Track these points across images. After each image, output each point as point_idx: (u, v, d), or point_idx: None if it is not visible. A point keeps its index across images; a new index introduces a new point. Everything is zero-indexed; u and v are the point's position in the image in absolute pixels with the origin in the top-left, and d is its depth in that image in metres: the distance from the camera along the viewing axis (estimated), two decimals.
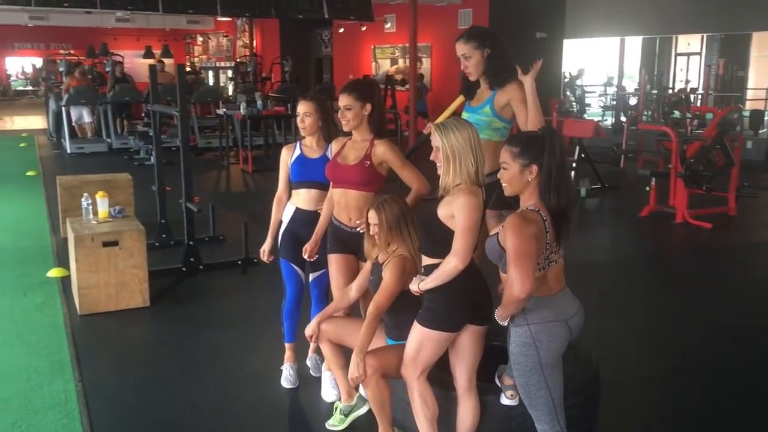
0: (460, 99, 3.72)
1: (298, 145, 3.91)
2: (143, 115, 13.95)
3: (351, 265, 3.64)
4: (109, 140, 14.27)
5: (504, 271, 2.59)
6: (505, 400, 3.10)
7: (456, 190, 2.81)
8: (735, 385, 4.12)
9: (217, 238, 7.16)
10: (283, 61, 18.57)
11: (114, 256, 5.17)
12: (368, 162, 3.49)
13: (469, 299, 2.88)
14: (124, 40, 24.74)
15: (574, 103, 15.64)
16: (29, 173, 11.37)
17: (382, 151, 3.50)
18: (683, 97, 14.43)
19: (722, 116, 8.11)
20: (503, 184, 2.64)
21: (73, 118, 14.38)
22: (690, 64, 18.96)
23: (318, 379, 4.01)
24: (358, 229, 3.49)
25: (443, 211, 2.83)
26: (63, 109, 14.17)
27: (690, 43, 19.06)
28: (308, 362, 4.17)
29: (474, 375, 3.05)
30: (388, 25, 17.62)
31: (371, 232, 3.21)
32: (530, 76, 3.29)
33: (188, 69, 21.33)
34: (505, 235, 2.50)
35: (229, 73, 21.76)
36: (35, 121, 20.63)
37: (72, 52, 21.04)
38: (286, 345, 4.07)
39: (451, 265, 2.77)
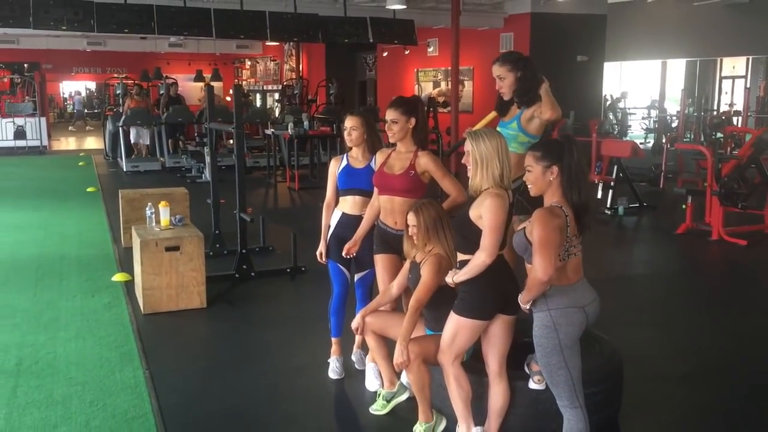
0: (493, 114, 4.09)
1: (345, 156, 4.30)
2: (196, 135, 14.57)
3: (395, 264, 4.00)
4: (162, 159, 14.96)
5: (529, 262, 2.91)
6: (533, 385, 3.41)
7: (485, 194, 3.16)
8: (754, 386, 4.34)
9: (267, 248, 7.58)
10: (328, 84, 19.12)
11: (175, 260, 5.61)
12: (413, 171, 3.86)
13: (499, 291, 3.21)
14: (177, 64, 25.70)
15: (615, 125, 15.81)
16: (89, 189, 12.02)
17: (425, 161, 3.86)
18: (724, 118, 14.50)
19: (758, 136, 8.29)
20: (529, 185, 2.98)
21: (132, 139, 15.11)
22: (735, 88, 18.97)
23: (362, 372, 4.36)
24: (402, 232, 3.86)
25: (473, 213, 3.18)
26: (120, 129, 14.92)
27: (735, 66, 19.09)
28: (353, 357, 4.51)
29: (504, 361, 3.36)
30: (430, 49, 18.07)
31: (410, 233, 3.56)
32: (543, 88, 3.71)
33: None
34: (532, 228, 2.83)
35: (276, 95, 22.47)
36: (90, 142, 21.60)
37: (127, 75, 21.95)
38: (333, 339, 4.43)
39: (480, 260, 3.11)
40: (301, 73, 22.75)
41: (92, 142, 21.62)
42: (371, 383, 4.20)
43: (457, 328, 3.25)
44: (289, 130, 12.25)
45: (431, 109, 15.00)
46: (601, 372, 3.61)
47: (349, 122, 4.21)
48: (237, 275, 6.53)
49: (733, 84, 19.22)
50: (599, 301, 3.01)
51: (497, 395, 3.37)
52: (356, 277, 4.34)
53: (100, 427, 3.74)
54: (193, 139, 15.75)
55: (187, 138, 16.12)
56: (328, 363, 4.43)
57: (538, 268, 2.76)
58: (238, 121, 6.52)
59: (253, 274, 6.59)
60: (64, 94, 32.44)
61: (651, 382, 4.33)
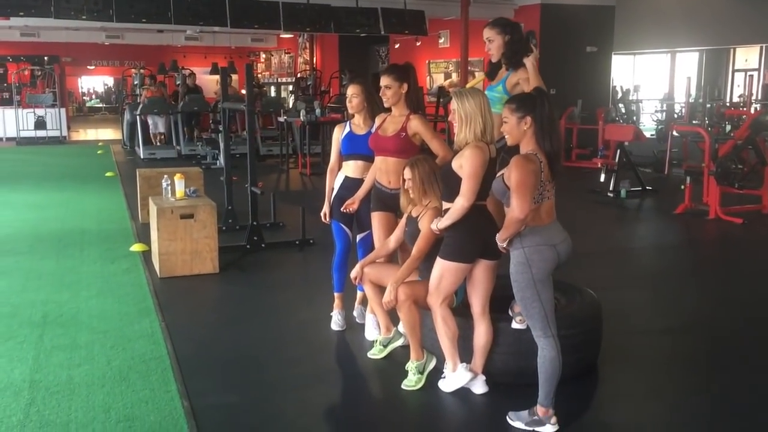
0: (481, 77, 4.39)
1: (348, 123, 4.61)
2: (210, 122, 14.94)
3: (390, 221, 4.31)
4: (178, 147, 15.35)
5: (507, 205, 3.21)
6: (515, 325, 3.71)
7: (466, 146, 3.46)
8: (731, 338, 4.61)
9: (277, 224, 7.92)
10: (341, 76, 19.45)
11: (190, 227, 5.96)
12: (404, 133, 4.17)
13: (480, 236, 3.51)
14: (193, 57, 26.09)
15: (623, 115, 15.98)
16: (108, 174, 12.43)
17: (415, 124, 4.17)
18: (731, 108, 14.67)
19: (754, 118, 8.51)
20: (505, 135, 3.27)
21: (151, 127, 15.53)
22: (747, 81, 19.02)
23: (362, 326, 4.68)
24: (395, 191, 4.17)
25: (455, 164, 3.49)
26: (138, 117, 15.33)
27: (748, 59, 19.15)
28: (354, 312, 4.83)
29: (487, 303, 3.66)
30: (441, 40, 18.34)
31: (405, 186, 3.86)
32: (532, 59, 3.98)
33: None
34: (509, 173, 3.12)
35: (290, 87, 22.81)
36: (108, 133, 22.08)
37: (145, 67, 22.38)
38: (335, 294, 4.75)
39: (458, 204, 3.43)
40: (314, 65, 23.09)
41: (110, 133, 22.09)
42: (370, 333, 4.51)
43: (442, 271, 3.55)
44: (301, 117, 12.59)
45: (441, 99, 15.26)
46: (579, 316, 3.90)
47: (350, 90, 4.53)
48: (248, 246, 6.86)
49: (745, 77, 19.29)
50: (570, 241, 3.30)
51: (481, 334, 3.67)
52: (358, 237, 4.65)
53: (120, 366, 4.09)
54: (208, 129, 16.14)
55: (201, 128, 16.51)
56: (331, 316, 4.75)
57: (515, 207, 3.06)
58: (249, 98, 6.87)
59: (263, 245, 6.93)
60: (82, 88, 33.02)
61: (632, 335, 4.61)
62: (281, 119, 13.96)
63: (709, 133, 8.48)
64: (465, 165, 3.41)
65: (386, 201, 4.29)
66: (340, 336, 4.63)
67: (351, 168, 4.58)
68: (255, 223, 6.95)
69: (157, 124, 15.71)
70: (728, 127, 13.87)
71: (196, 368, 4.07)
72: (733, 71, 19.58)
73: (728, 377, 4.03)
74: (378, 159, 4.27)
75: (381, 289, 4.10)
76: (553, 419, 3.31)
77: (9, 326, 4.75)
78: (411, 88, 4.23)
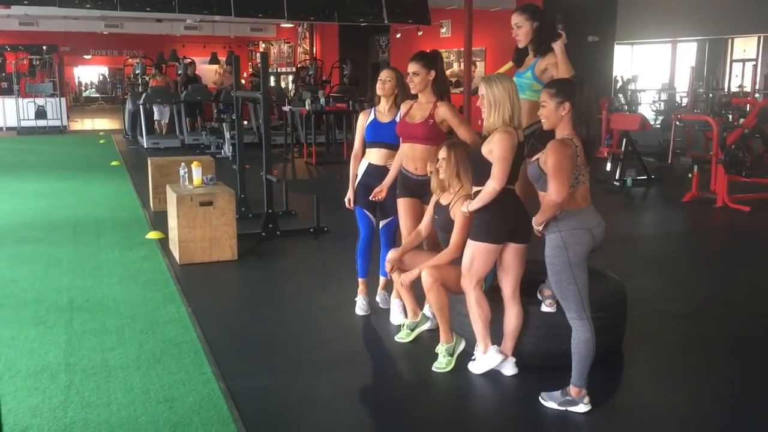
0: (510, 65, 4.44)
1: (372, 111, 4.66)
2: (215, 112, 14.96)
3: (416, 207, 4.37)
4: (181, 136, 15.36)
5: (542, 190, 3.27)
6: (545, 308, 3.78)
7: (495, 131, 3.52)
8: (747, 322, 4.70)
9: (289, 212, 7.96)
10: (342, 66, 19.46)
11: (209, 215, 6.01)
12: (431, 120, 4.22)
13: (509, 219, 3.58)
14: (192, 47, 26.04)
15: (624, 105, 16.07)
16: (113, 163, 12.45)
17: (443, 111, 4.22)
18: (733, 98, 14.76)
19: (762, 106, 8.59)
20: (542, 120, 3.33)
21: (156, 116, 15.55)
22: (745, 71, 19.13)
23: (386, 311, 4.74)
24: (422, 177, 4.23)
25: (485, 149, 3.55)
26: (141, 107, 15.33)
27: (746, 49, 19.24)
28: (378, 297, 4.89)
29: (517, 287, 3.73)
30: (443, 30, 18.36)
31: (437, 166, 3.90)
32: (560, 44, 3.99)
33: (252, 72, 22.49)
34: (546, 158, 3.18)
35: (290, 77, 22.81)
36: (107, 123, 22.04)
37: (145, 56, 22.33)
38: (360, 280, 4.81)
39: (489, 187, 3.49)
40: (314, 55, 23.08)
41: (109, 123, 22.04)
42: (396, 317, 4.58)
43: (473, 252, 3.62)
44: (307, 106, 12.62)
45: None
46: (605, 300, 3.97)
47: (385, 74, 4.60)
48: (263, 234, 6.92)
49: (743, 67, 19.40)
50: (604, 225, 3.37)
51: (511, 317, 3.74)
52: (381, 223, 4.70)
53: (152, 349, 4.15)
54: (211, 119, 16.16)
55: (204, 118, 16.52)
56: (355, 301, 4.81)
57: (552, 191, 3.12)
58: (265, 87, 6.91)
59: (278, 233, 6.98)
60: (78, 78, 32.88)
61: (653, 319, 4.69)
62: (285, 109, 13.98)
63: (717, 122, 8.55)
64: (495, 149, 3.47)
65: (413, 187, 4.35)
66: (365, 320, 4.69)
67: (375, 155, 4.63)
68: (270, 211, 7.00)
69: (163, 114, 15.74)
70: (730, 117, 13.98)
71: (228, 352, 4.12)
72: (731, 61, 19.66)
73: (749, 360, 4.12)
74: (405, 146, 4.33)
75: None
76: (586, 399, 3.38)
77: (37, 311, 4.80)
78: (438, 75, 4.28)
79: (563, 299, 3.35)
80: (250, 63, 27.32)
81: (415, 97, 4.40)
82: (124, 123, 17.81)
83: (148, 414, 3.37)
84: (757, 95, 13.18)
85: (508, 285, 3.71)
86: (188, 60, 18.07)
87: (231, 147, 13.16)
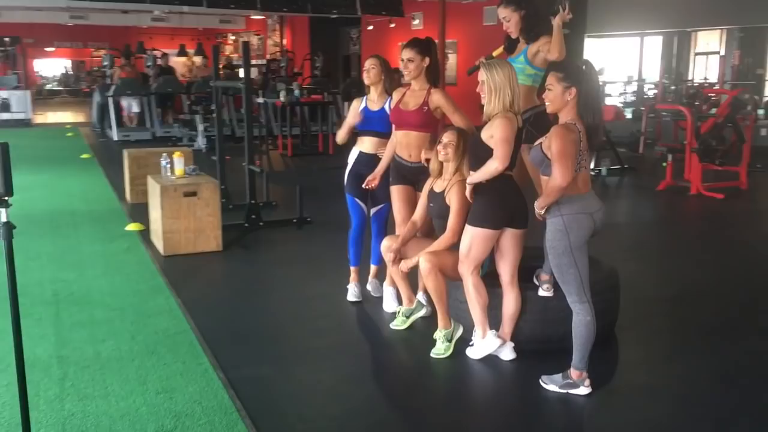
0: (500, 50, 4.46)
1: (364, 99, 4.65)
2: (189, 104, 14.78)
3: (409, 194, 4.37)
4: (152, 129, 15.13)
5: (545, 174, 3.29)
6: (542, 293, 3.81)
7: (494, 117, 3.53)
8: (729, 305, 4.80)
9: (270, 203, 7.90)
10: (314, 58, 19.35)
11: (193, 205, 5.93)
12: (426, 107, 4.22)
13: (507, 204, 3.60)
14: (159, 39, 25.65)
15: None
16: (83, 156, 12.24)
17: (437, 98, 4.22)
18: (701, 89, 15.02)
19: (734, 96, 8.75)
20: (546, 103, 3.35)
21: (125, 109, 15.28)
22: (709, 63, 19.50)
23: (377, 299, 4.74)
24: (416, 164, 4.24)
25: (485, 134, 3.56)
26: (110, 99, 15.05)
27: (709, 42, 19.60)
28: (368, 286, 4.88)
29: (515, 272, 3.75)
30: (416, 22, 18.35)
31: (441, 148, 3.89)
32: (558, 19, 3.98)
33: (224, 64, 22.30)
34: (549, 142, 3.20)
35: (262, 69, 22.62)
36: (72, 116, 21.61)
37: (110, 48, 21.94)
38: (352, 268, 4.80)
39: (492, 166, 3.49)
40: (284, 47, 22.92)
41: (73, 116, 21.60)
42: (389, 305, 4.58)
43: (472, 238, 3.63)
44: (281, 98, 12.52)
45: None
46: (600, 285, 4.00)
47: (368, 63, 4.58)
48: (246, 225, 6.85)
49: (707, 60, 19.76)
50: (604, 210, 3.41)
51: (510, 302, 3.77)
52: (372, 211, 4.69)
53: (145, 340, 4.09)
54: (181, 112, 15.95)
55: (175, 110, 16.30)
56: (347, 288, 4.80)
57: (557, 176, 3.14)
58: (247, 77, 6.85)
59: (261, 223, 6.92)
60: (39, 72, 32.12)
61: (641, 304, 4.76)
62: (260, 100, 13.85)
63: (691, 111, 8.69)
64: (496, 132, 3.48)
65: (406, 174, 4.35)
66: (358, 309, 4.68)
67: (366, 143, 4.62)
68: (253, 201, 6.94)
69: (132, 106, 15.47)
70: (696, 103, 14.21)
71: (223, 342, 4.08)
72: (695, 54, 20.01)
73: (734, 340, 4.20)
74: (399, 133, 4.32)
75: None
76: (587, 382, 3.42)
77: (22, 304, 4.60)
78: (432, 63, 4.28)
79: (564, 283, 3.37)
80: (221, 54, 27.00)
81: (401, 84, 4.40)
82: (91, 115, 17.49)
83: (148, 405, 3.32)
84: (725, 85, 13.42)
85: (506, 270, 3.73)
86: (159, 52, 17.78)
87: (205, 139, 13.03)
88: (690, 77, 19.12)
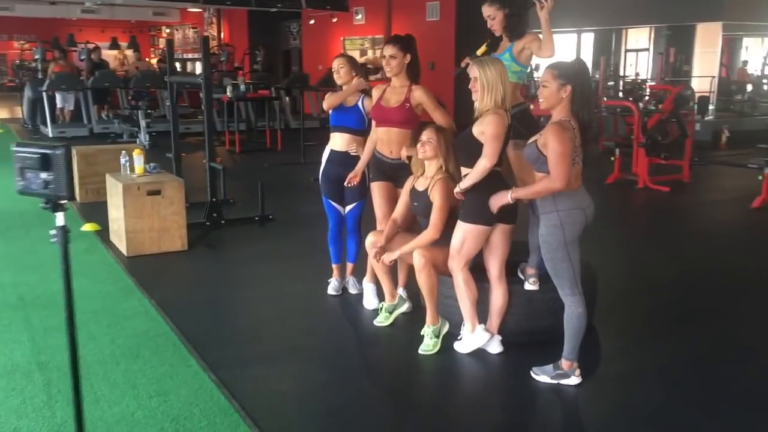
0: (483, 49, 4.52)
1: None
2: (130, 99, 14.40)
3: (390, 191, 4.40)
4: (89, 125, 14.67)
5: (539, 170, 3.36)
6: (528, 286, 3.89)
7: (486, 113, 3.59)
8: (690, 292, 5.02)
9: (227, 201, 7.78)
10: (255, 52, 19.12)
11: (157, 204, 5.80)
12: (408, 104, 4.24)
13: None
14: (89, 31, 24.82)
15: (535, 92, 16.60)
16: None
17: (419, 94, 4.25)
18: (638, 83, 15.55)
19: (678, 92, 9.09)
20: (540, 100, 3.41)
21: (58, 104, 14.76)
22: (639, 59, 20.18)
23: (356, 296, 4.75)
24: (396, 161, 4.26)
25: (476, 130, 3.62)
26: (44, 94, 14.50)
27: (639, 39, 20.27)
28: (347, 283, 4.87)
29: (503, 267, 3.82)
30: (358, 17, 18.32)
31: (420, 146, 3.92)
32: (544, 13, 4.05)
33: (159, 58, 21.82)
34: (546, 140, 3.27)
35: (198, 64, 22.19)
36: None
37: (37, 41, 21.09)
38: (333, 265, 4.81)
39: (481, 165, 3.55)
40: (222, 41, 22.55)
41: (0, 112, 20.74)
42: (369, 302, 4.59)
43: (465, 234, 3.68)
44: (228, 93, 12.32)
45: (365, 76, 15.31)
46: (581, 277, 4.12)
47: (336, 63, 4.59)
48: (208, 223, 6.74)
49: (637, 56, 20.45)
50: (594, 205, 3.51)
51: (498, 296, 3.83)
52: (347, 209, 4.69)
53: (126, 344, 3.99)
54: (117, 107, 15.52)
55: (111, 105, 15.84)
56: (328, 282, 4.81)
57: (557, 178, 3.21)
58: (206, 71, 6.73)
59: (223, 222, 6.82)
60: None
61: (610, 295, 4.87)
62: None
63: (638, 107, 8.98)
64: (487, 129, 3.53)
65: (387, 171, 4.36)
66: (336, 305, 4.68)
67: (337, 141, 4.62)
68: (214, 199, 6.83)
69: (67, 101, 14.96)
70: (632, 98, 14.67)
71: (207, 343, 4.01)
72: (626, 51, 20.67)
73: (704, 326, 4.40)
74: (380, 130, 4.33)
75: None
76: (577, 372, 3.52)
77: None
78: (413, 59, 4.30)
79: (557, 276, 3.46)
80: (152, 49, 26.38)
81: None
82: (22, 111, 16.81)
83: (143, 409, 3.25)
84: (663, 82, 13.91)
85: (494, 264, 3.80)
86: (92, 45, 17.20)
87: (148, 136, 12.72)
88: (622, 72, 19.73)
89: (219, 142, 13.30)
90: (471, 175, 3.59)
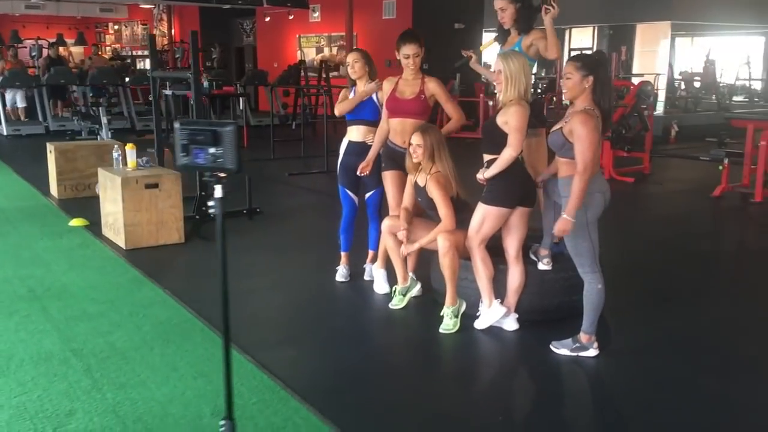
0: (490, 42, 4.74)
1: (352, 91, 4.79)
2: (91, 96, 14.19)
3: (402, 179, 4.56)
4: (45, 122, 14.37)
5: (562, 156, 3.60)
6: (542, 266, 4.13)
7: (509, 104, 3.81)
8: (667, 277, 5.36)
9: (211, 195, 7.82)
10: (210, 49, 18.98)
11: (155, 197, 5.84)
12: (423, 96, 4.43)
13: (520, 185, 3.89)
14: (33, 27, 24.11)
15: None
16: None
17: (433, 86, 4.45)
18: None
19: (639, 87, 9.52)
20: (564, 90, 3.65)
21: (8, 102, 14.40)
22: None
23: (363, 282, 4.91)
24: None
25: (500, 119, 3.83)
26: None
27: (582, 39, 20.92)
28: (366, 270, 4.98)
29: (521, 247, 4.05)
30: (315, 15, 18.40)
31: (412, 151, 4.14)
32: (549, 17, 4.29)
33: (113, 55, 21.51)
34: (572, 127, 3.50)
35: (147, 62, 21.88)
36: None
37: None
38: (342, 253, 4.96)
39: (507, 154, 3.78)
40: (173, 38, 22.28)
41: None
42: (381, 287, 4.76)
43: (485, 215, 3.90)
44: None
45: (322, 70, 15.45)
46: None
47: (351, 57, 4.73)
48: (197, 216, 6.78)
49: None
50: (610, 189, 3.77)
51: (515, 276, 4.06)
52: (366, 197, 4.86)
53: (153, 331, 4.06)
54: (72, 104, 15.24)
55: (66, 103, 15.55)
56: (336, 270, 4.95)
57: (586, 166, 3.44)
58: (195, 66, 6.78)
59: (211, 215, 6.86)
60: None
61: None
62: (167, 92, 13.47)
63: None
64: (512, 120, 3.76)
65: (398, 160, 4.53)
66: (348, 291, 4.84)
67: (354, 133, 4.78)
68: (203, 193, 6.87)
69: (15, 99, 14.61)
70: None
71: (233, 328, 4.09)
72: (570, 50, 21.31)
73: (684, 304, 4.74)
74: (394, 121, 4.50)
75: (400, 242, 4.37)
76: (595, 344, 3.76)
77: (0, 301, 4.51)
78: (424, 54, 4.49)
79: (578, 255, 3.69)
80: (99, 45, 25.80)
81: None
82: None
83: (191, 389, 3.35)
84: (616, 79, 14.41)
85: (512, 245, 4.02)
86: (45, 42, 16.85)
87: (110, 133, 12.56)
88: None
89: None
90: (497, 164, 3.80)
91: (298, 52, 19.34)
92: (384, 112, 4.58)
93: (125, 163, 6.16)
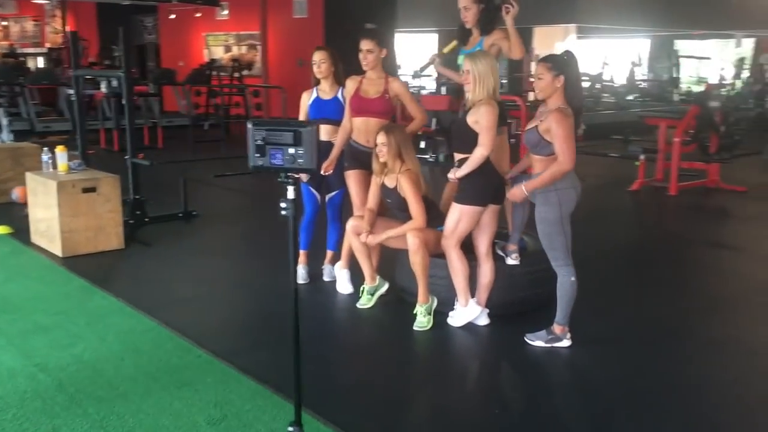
0: (454, 43, 4.79)
1: (315, 90, 4.74)
2: None
3: (367, 178, 4.55)
4: None
5: (537, 154, 3.70)
6: (510, 261, 4.23)
7: (479, 103, 3.88)
8: (635, 268, 5.62)
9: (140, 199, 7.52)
10: (112, 47, 18.21)
11: (92, 202, 5.57)
12: (387, 95, 4.44)
13: (491, 183, 3.97)
14: None
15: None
16: None
17: (397, 86, 4.47)
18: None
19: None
20: (537, 91, 3.74)
21: None
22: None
23: (324, 283, 4.87)
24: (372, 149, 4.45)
25: (470, 119, 3.89)
26: None
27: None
28: (324, 270, 4.95)
29: (491, 244, 4.14)
30: (224, 12, 17.99)
31: (377, 151, 4.15)
32: (510, 16, 4.39)
33: (4, 53, 20.32)
34: (549, 125, 3.59)
35: (40, 59, 20.79)
36: None
37: None
38: (301, 252, 4.88)
39: (478, 153, 3.85)
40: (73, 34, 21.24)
41: None
42: (344, 287, 4.73)
43: (460, 215, 3.95)
44: (103, 89, 11.74)
45: (234, 70, 15.15)
46: (544, 254, 4.49)
47: (318, 56, 4.66)
48: (132, 221, 6.50)
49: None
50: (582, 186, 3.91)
51: (486, 271, 4.13)
52: (327, 197, 4.81)
53: (118, 340, 3.88)
54: None
55: None
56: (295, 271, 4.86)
57: (566, 160, 3.54)
58: (127, 64, 6.51)
59: (147, 219, 6.61)
60: None
61: None
62: (71, 92, 12.83)
63: (524, 101, 9.67)
64: (482, 119, 3.82)
65: (363, 159, 4.52)
66: (310, 293, 4.76)
67: (321, 132, 4.71)
68: (138, 197, 6.60)
69: None
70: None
71: (201, 334, 3.98)
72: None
73: (654, 292, 4.96)
74: (358, 120, 4.48)
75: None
76: (568, 335, 3.89)
77: None
78: (388, 53, 4.49)
79: (552, 249, 3.81)
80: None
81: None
82: None
83: (178, 399, 3.22)
84: None
85: (483, 242, 4.09)
86: None
87: (12, 135, 11.88)
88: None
89: (92, 140, 12.67)
90: (468, 164, 3.86)
91: (205, 50, 18.88)
92: (347, 111, 4.55)
93: (55, 167, 5.85)
